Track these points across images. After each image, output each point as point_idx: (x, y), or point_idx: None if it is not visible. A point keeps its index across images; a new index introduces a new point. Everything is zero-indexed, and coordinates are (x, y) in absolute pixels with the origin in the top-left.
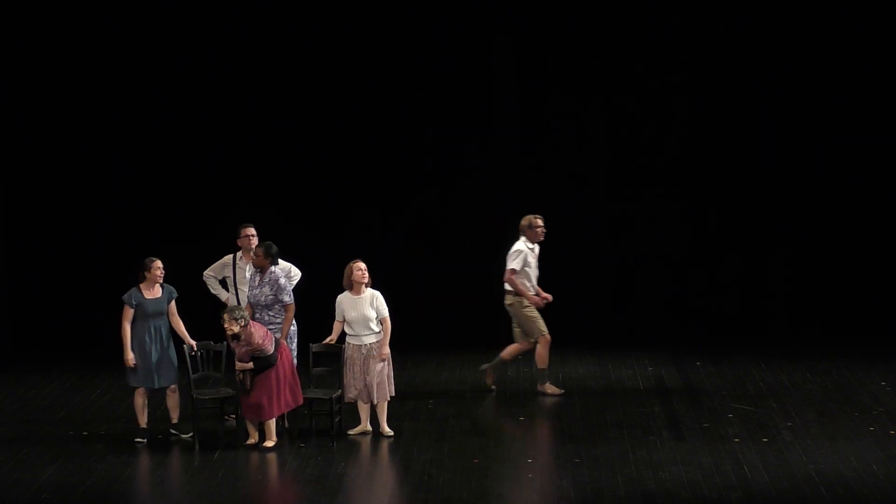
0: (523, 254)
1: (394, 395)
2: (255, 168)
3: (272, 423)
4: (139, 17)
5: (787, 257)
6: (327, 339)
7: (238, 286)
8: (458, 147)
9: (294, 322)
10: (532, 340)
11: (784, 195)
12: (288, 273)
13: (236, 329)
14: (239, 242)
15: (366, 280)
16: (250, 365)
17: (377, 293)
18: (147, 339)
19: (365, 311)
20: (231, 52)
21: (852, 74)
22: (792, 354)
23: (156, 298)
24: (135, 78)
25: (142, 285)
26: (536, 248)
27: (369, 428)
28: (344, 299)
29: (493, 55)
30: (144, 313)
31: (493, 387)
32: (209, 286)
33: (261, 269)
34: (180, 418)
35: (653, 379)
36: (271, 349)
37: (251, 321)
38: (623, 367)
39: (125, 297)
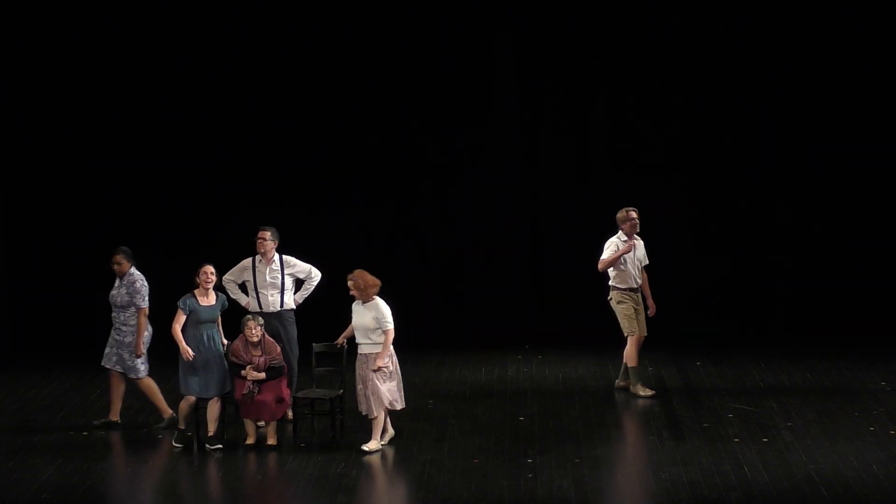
0: (614, 244)
1: (404, 406)
2: (254, 168)
3: (273, 423)
4: (139, 17)
5: (788, 257)
6: (338, 340)
7: (259, 290)
8: (457, 146)
9: (150, 327)
10: (625, 335)
11: (784, 195)
12: (308, 274)
13: (260, 335)
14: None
15: (355, 292)
16: (263, 375)
17: (381, 303)
18: (201, 348)
19: (364, 320)
20: (231, 52)
21: (852, 75)
22: (792, 354)
23: (210, 306)
24: (135, 78)
25: (196, 292)
26: (639, 241)
27: (392, 431)
28: (355, 305)
29: (493, 55)
30: (198, 320)
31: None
32: (229, 291)
33: (121, 274)
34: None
35: (653, 379)
36: (282, 359)
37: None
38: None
39: (180, 302)
